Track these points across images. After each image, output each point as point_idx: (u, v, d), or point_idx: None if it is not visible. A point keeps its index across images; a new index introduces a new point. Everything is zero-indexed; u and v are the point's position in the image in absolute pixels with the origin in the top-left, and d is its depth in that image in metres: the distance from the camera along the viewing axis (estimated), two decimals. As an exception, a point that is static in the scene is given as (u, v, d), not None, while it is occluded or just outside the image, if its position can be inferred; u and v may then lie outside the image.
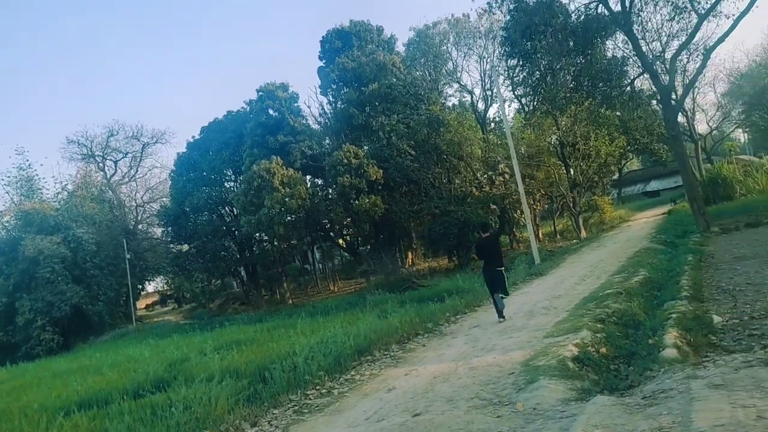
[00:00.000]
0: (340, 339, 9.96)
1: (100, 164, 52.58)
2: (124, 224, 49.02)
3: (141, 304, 63.05)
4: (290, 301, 41.80)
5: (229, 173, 45.83)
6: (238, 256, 45.32)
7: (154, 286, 62.62)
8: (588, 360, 6.42)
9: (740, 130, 65.52)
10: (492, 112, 42.43)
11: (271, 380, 8.45)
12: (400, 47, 43.78)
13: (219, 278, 49.25)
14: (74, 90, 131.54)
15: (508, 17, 26.14)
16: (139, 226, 52.86)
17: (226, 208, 45.53)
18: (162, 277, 55.86)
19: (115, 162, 53.26)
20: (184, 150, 45.85)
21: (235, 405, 7.46)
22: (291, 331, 15.65)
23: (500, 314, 10.57)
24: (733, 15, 20.55)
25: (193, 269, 44.11)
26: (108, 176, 52.60)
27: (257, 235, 41.28)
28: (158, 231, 51.07)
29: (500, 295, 10.59)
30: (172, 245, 48.10)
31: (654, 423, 4.11)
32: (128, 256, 42.92)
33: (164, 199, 51.21)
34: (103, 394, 10.46)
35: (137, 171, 54.17)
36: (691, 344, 6.16)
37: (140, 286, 52.70)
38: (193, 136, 46.07)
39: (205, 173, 44.51)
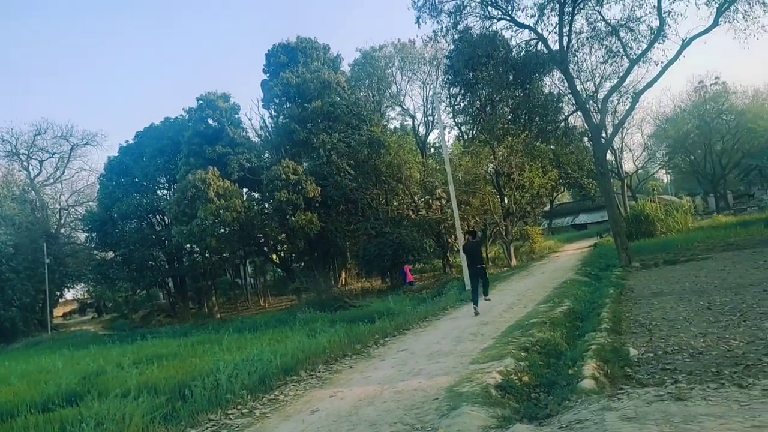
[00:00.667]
0: (266, 357, 9.75)
1: (24, 163, 50.15)
2: (46, 227, 46.80)
3: (58, 311, 60.07)
4: (218, 316, 40.85)
5: (162, 181, 44.63)
6: (166, 267, 43.99)
7: (73, 293, 59.77)
8: (510, 388, 6.53)
9: (663, 171, 69.25)
10: (432, 137, 43.23)
11: (191, 398, 8.16)
12: (345, 67, 44.16)
13: (144, 289, 47.55)
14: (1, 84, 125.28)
15: (452, 46, 26.82)
16: (62, 230, 50.57)
17: (157, 217, 44.21)
18: (83, 284, 53.43)
19: (41, 162, 50.93)
20: (116, 154, 44.37)
21: (150, 423, 7.15)
22: (216, 346, 15.27)
23: (479, 301, 13.79)
24: (662, 62, 21.79)
25: (117, 278, 42.39)
26: (32, 176, 50.21)
27: (188, 246, 40.25)
28: (82, 236, 49.02)
29: (483, 296, 14.16)
30: (96, 252, 46.20)
31: (569, 453, 4.20)
32: (47, 261, 40.92)
33: (91, 203, 49.22)
34: (8, 407, 9.89)
35: (64, 172, 51.91)
36: (608, 376, 6.36)
37: (58, 293, 50.30)
38: (127, 141, 44.79)
39: (137, 179, 43.16)
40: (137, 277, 41.82)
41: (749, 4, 19.75)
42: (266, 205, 38.01)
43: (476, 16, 23.71)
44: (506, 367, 7.28)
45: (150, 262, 42.39)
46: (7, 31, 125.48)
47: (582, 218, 64.55)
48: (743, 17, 19.88)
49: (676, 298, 11.65)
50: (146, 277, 42.20)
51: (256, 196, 40.43)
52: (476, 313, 13.37)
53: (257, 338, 17.19)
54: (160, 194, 44.72)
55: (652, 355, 7.15)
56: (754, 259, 16.41)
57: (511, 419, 5.47)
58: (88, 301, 63.52)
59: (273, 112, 41.50)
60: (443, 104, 35.77)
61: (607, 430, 4.44)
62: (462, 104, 31.05)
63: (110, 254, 44.56)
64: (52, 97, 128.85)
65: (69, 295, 59.12)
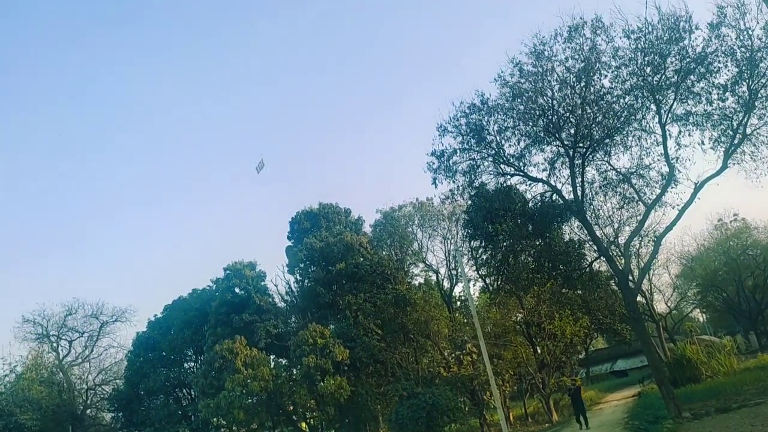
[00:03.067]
0: None
1: (54, 344, 50.14)
2: (72, 409, 45.80)
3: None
4: (246, 498, 38.39)
5: (189, 353, 44.37)
6: (193, 444, 42.30)
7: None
8: None
9: (698, 310, 67.40)
10: (457, 290, 43.26)
11: None
12: (367, 228, 45.44)
13: (170, 471, 45.39)
14: (31, 267, 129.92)
15: (469, 202, 27.77)
16: (88, 411, 49.38)
17: (184, 391, 43.33)
18: (106, 470, 51.20)
19: (70, 342, 50.84)
20: (145, 329, 44.66)
21: None
22: None
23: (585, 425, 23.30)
24: (678, 205, 22.20)
25: (141, 461, 40.66)
26: (60, 357, 50.04)
27: (215, 420, 38.96)
28: (108, 416, 47.78)
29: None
30: (121, 432, 44.81)
31: None
32: (72, 446, 39.73)
33: (118, 381, 48.56)
34: None
35: (92, 351, 51.73)
36: None
37: (82, 480, 48.10)
38: (155, 315, 45.16)
39: (164, 353, 43.00)
40: (163, 458, 40.08)
41: (755, 145, 20.47)
42: (294, 372, 37.18)
43: (490, 174, 24.68)
44: None
45: (176, 440, 40.87)
46: (31, 210, 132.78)
47: (620, 364, 61.92)
48: (751, 158, 20.52)
49: (736, 453, 10.83)
50: (172, 457, 40.44)
51: (284, 362, 39.79)
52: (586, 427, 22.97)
53: None
54: (187, 367, 44.25)
55: None
56: (812, 402, 15.43)
57: None
58: (112, 488, 60.46)
59: (298, 277, 42.14)
60: (465, 257, 36.25)
61: None
62: (484, 256, 31.54)
63: (136, 434, 43.20)
64: (82, 277, 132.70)
65: (92, 482, 56.42)
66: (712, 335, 60.82)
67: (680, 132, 21.69)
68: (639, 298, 36.59)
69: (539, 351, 34.21)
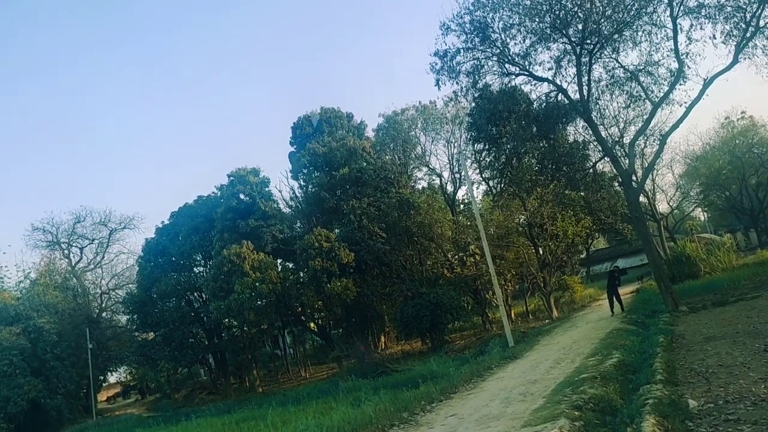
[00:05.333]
0: (312, 432, 9.61)
1: (65, 251, 51.45)
2: (88, 312, 47.56)
3: (102, 396, 60.40)
4: (260, 389, 40.51)
5: (198, 258, 45.30)
6: (206, 343, 44.10)
7: (116, 376, 60.07)
8: (567, 451, 6.29)
9: (700, 210, 67.81)
10: (461, 194, 43.32)
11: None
12: (369, 132, 44.91)
13: (186, 367, 47.56)
14: (41, 176, 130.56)
15: (473, 104, 27.19)
16: (103, 314, 51.33)
17: (195, 294, 44.65)
18: (125, 367, 53.76)
19: (81, 249, 52.21)
20: (153, 235, 45.38)
21: None
22: (261, 423, 15.10)
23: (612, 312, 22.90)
24: (685, 103, 21.73)
25: (158, 358, 42.51)
26: (73, 263, 51.43)
27: (226, 321, 40.41)
28: (123, 319, 49.64)
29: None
30: (137, 333, 46.64)
31: None
32: (90, 346, 41.42)
33: (130, 285, 50.05)
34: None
35: (103, 257, 53.11)
36: (669, 431, 6.10)
37: (102, 377, 50.62)
38: (163, 222, 45.79)
39: (174, 258, 43.91)
40: (178, 356, 41.89)
41: (768, 39, 19.76)
42: (301, 274, 38.11)
43: (494, 74, 24.05)
44: (561, 429, 7.03)
45: (190, 340, 42.54)
46: (42, 117, 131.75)
47: (620, 263, 62.91)
48: (763, 52, 19.88)
49: (730, 342, 11.23)
50: (187, 355, 42.26)
51: (291, 266, 40.65)
52: (612, 314, 22.61)
53: (301, 411, 17.01)
54: (197, 271, 45.35)
55: (712, 405, 6.86)
56: (807, 295, 15.81)
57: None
58: (131, 383, 63.80)
59: (302, 182, 42.17)
60: (469, 161, 36.03)
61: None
62: (488, 159, 31.28)
63: (151, 335, 44.94)
64: (90, 186, 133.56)
65: (112, 378, 59.52)
66: (713, 233, 61.54)
67: (691, 26, 20.86)
68: (641, 198, 36.72)
69: (541, 251, 34.79)
